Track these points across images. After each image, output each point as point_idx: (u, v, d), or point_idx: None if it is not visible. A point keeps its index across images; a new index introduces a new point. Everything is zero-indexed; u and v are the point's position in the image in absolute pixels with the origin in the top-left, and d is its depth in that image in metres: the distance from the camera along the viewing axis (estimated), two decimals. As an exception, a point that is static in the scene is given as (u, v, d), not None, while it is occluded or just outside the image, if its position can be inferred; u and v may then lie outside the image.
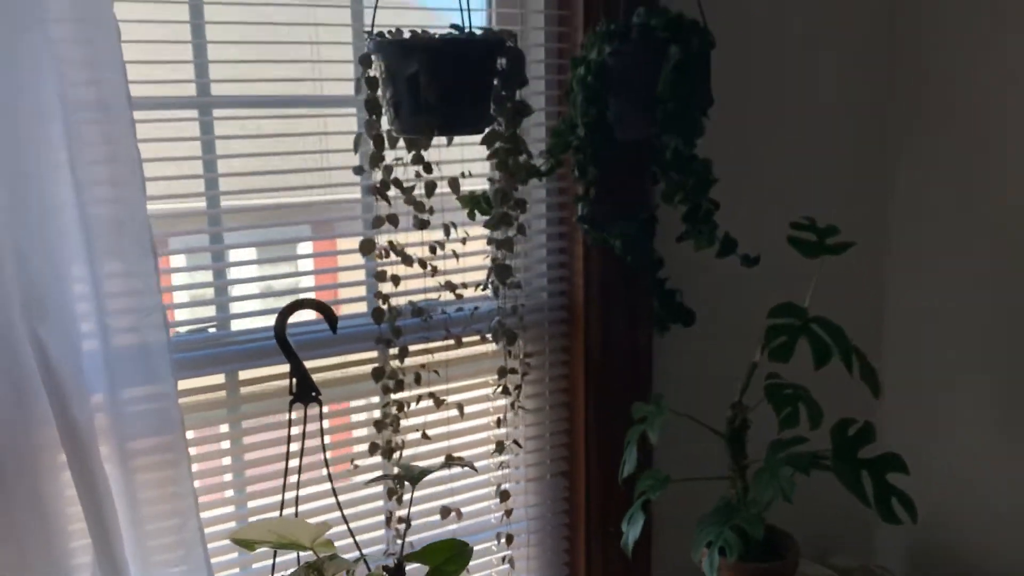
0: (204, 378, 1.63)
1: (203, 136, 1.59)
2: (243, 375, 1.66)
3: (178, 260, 1.68)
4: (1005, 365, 2.13)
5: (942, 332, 2.26)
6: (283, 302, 1.49)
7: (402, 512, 1.74)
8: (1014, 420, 2.15)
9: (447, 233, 1.66)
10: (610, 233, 1.72)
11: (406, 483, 1.72)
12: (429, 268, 1.66)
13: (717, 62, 1.63)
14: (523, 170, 1.58)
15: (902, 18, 2.23)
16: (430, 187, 1.60)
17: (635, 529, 1.73)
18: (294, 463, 1.49)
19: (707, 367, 1.99)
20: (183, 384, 1.57)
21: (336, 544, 1.48)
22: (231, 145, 1.61)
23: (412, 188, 1.59)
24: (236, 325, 1.65)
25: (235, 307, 1.66)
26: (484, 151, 1.61)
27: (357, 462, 1.73)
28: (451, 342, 1.74)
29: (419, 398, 1.71)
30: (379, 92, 1.50)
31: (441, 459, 1.58)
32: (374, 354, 1.73)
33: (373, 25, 1.50)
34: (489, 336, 1.78)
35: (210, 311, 1.65)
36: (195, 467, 1.62)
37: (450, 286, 1.70)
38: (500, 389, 1.79)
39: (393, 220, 1.61)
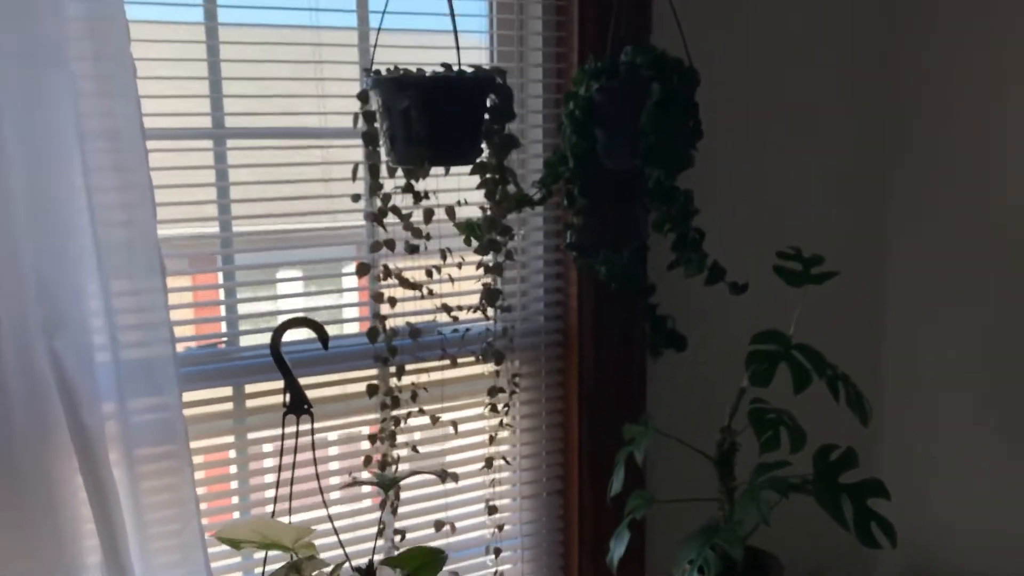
0: (213, 390, 1.73)
1: (217, 165, 1.70)
2: (249, 388, 1.77)
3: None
4: (1005, 371, 2.14)
5: (942, 339, 2.26)
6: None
7: (396, 523, 1.82)
8: (1016, 437, 2.16)
9: (443, 258, 1.74)
10: (596, 260, 1.80)
11: (401, 495, 1.82)
12: (425, 291, 1.75)
13: (711, 88, 1.71)
14: (511, 199, 1.66)
15: (899, 24, 2.25)
16: (427, 214, 1.69)
17: (620, 547, 1.79)
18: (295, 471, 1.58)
19: (700, 391, 2.04)
20: (193, 396, 1.68)
21: (327, 549, 1.57)
22: (242, 173, 1.73)
23: (410, 215, 1.68)
24: (244, 341, 1.76)
25: (244, 324, 1.77)
26: (478, 180, 1.70)
27: (355, 475, 1.81)
28: (446, 362, 1.82)
29: (410, 414, 1.78)
30: (376, 125, 1.60)
31: (410, 469, 1.65)
32: (375, 372, 1.82)
33: (372, 62, 1.60)
34: (484, 356, 1.85)
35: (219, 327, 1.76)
36: (202, 474, 1.72)
37: (445, 308, 1.78)
38: (489, 408, 1.86)
39: (390, 245, 1.70)
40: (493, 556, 1.94)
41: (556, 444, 2.04)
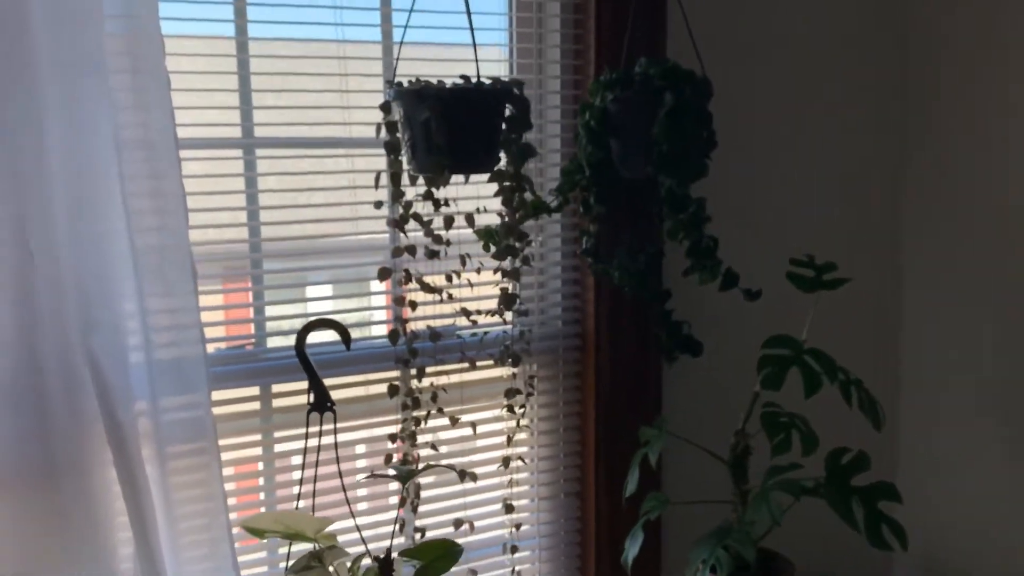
0: (241, 390, 1.80)
1: (247, 173, 1.78)
2: (275, 388, 1.83)
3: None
4: (1022, 374, 2.14)
5: (957, 343, 2.28)
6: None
7: (416, 521, 1.87)
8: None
9: (463, 263, 1.80)
10: (611, 266, 1.84)
11: (421, 494, 1.87)
12: (445, 295, 1.80)
13: (726, 99, 1.75)
14: (528, 206, 1.72)
15: (910, 27, 2.28)
16: (447, 221, 1.75)
17: (634, 547, 1.83)
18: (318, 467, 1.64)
19: (714, 395, 2.08)
20: (222, 395, 1.75)
21: (349, 545, 1.62)
22: (270, 181, 1.80)
23: (430, 222, 1.75)
24: (271, 343, 1.83)
25: (271, 326, 1.84)
26: (496, 188, 1.76)
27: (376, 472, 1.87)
28: (465, 364, 1.88)
29: (429, 414, 1.84)
30: (398, 135, 1.66)
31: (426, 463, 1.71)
32: (397, 373, 1.88)
33: (395, 75, 1.67)
34: (500, 359, 1.91)
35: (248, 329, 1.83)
36: (230, 470, 1.79)
37: (465, 312, 1.84)
38: (506, 409, 1.91)
39: (411, 250, 1.76)
40: (511, 554, 1.99)
41: (573, 446, 2.08)
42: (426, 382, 1.84)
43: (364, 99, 1.79)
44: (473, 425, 1.92)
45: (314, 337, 1.62)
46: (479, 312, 1.86)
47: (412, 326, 1.82)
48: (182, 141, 1.56)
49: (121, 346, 1.55)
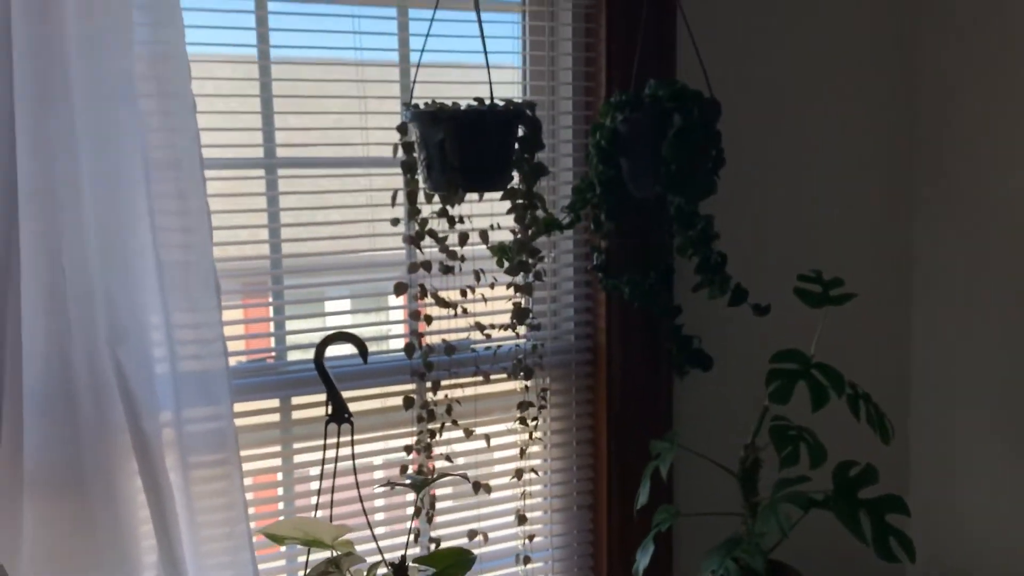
0: (262, 402, 1.86)
1: (268, 192, 1.84)
2: (295, 400, 1.89)
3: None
4: None
5: (968, 357, 2.30)
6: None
7: (432, 532, 1.92)
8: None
9: (477, 279, 1.85)
10: (621, 281, 1.88)
11: (436, 505, 1.91)
12: (460, 310, 1.85)
13: (734, 116, 1.79)
14: (540, 223, 1.77)
15: (920, 44, 2.31)
16: (462, 237, 1.80)
17: (645, 558, 1.85)
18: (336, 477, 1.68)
19: (725, 409, 2.11)
20: (244, 406, 1.80)
21: (368, 552, 1.66)
22: (291, 200, 1.86)
23: (445, 238, 1.80)
24: (291, 356, 1.88)
25: (291, 340, 1.89)
26: (509, 206, 1.81)
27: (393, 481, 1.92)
28: (479, 378, 1.92)
29: (443, 426, 1.88)
30: (415, 154, 1.72)
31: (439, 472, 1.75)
32: (413, 386, 1.93)
33: (412, 97, 1.73)
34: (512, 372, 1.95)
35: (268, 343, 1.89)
36: (251, 480, 1.84)
37: (479, 326, 1.89)
38: (519, 422, 1.95)
39: (427, 266, 1.81)
40: (523, 566, 2.02)
41: (585, 459, 2.12)
42: (441, 395, 1.89)
43: (382, 120, 1.85)
44: (487, 437, 1.96)
45: (332, 350, 1.67)
46: (493, 326, 1.90)
47: (427, 340, 1.87)
48: (207, 161, 1.62)
49: (147, 358, 1.61)
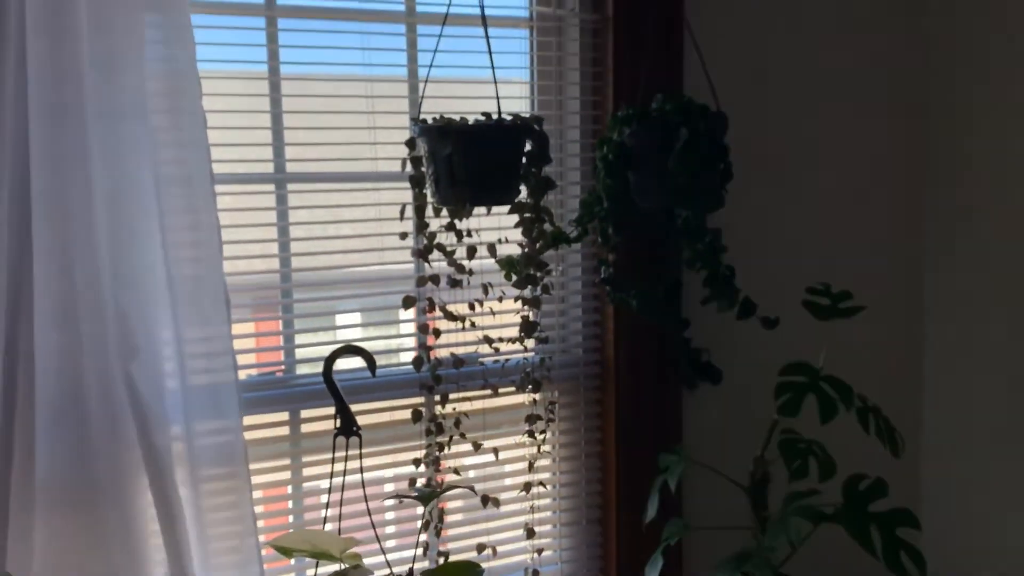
0: (271, 415, 1.86)
1: (278, 207, 1.85)
2: (304, 414, 1.89)
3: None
4: None
5: (981, 370, 2.29)
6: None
7: (440, 546, 1.92)
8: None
9: (485, 292, 1.86)
10: (628, 294, 1.89)
11: (445, 519, 1.92)
12: (468, 323, 1.86)
13: (743, 128, 1.79)
14: (547, 237, 1.77)
15: (932, 54, 2.31)
16: (470, 251, 1.81)
17: (654, 573, 1.85)
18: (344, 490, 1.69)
19: (734, 421, 2.10)
20: (253, 420, 1.81)
21: (376, 566, 1.67)
22: (300, 214, 1.87)
23: (453, 252, 1.81)
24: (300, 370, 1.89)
25: (300, 353, 1.90)
26: (517, 219, 1.82)
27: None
28: (488, 391, 1.93)
29: (451, 439, 1.89)
30: (423, 169, 1.73)
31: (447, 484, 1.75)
32: (421, 400, 1.93)
33: (420, 111, 1.74)
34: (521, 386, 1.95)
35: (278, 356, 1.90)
36: (260, 493, 1.85)
37: (487, 340, 1.89)
38: (527, 435, 1.95)
39: (435, 280, 1.82)
40: (535, 579, 2.02)
41: (594, 472, 2.12)
42: (449, 408, 1.89)
43: (390, 135, 1.87)
44: (495, 451, 1.96)
45: (341, 364, 1.68)
46: (501, 340, 1.91)
47: (436, 353, 1.88)
48: (217, 176, 1.64)
49: (158, 372, 1.62)
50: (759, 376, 2.05)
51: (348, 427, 1.63)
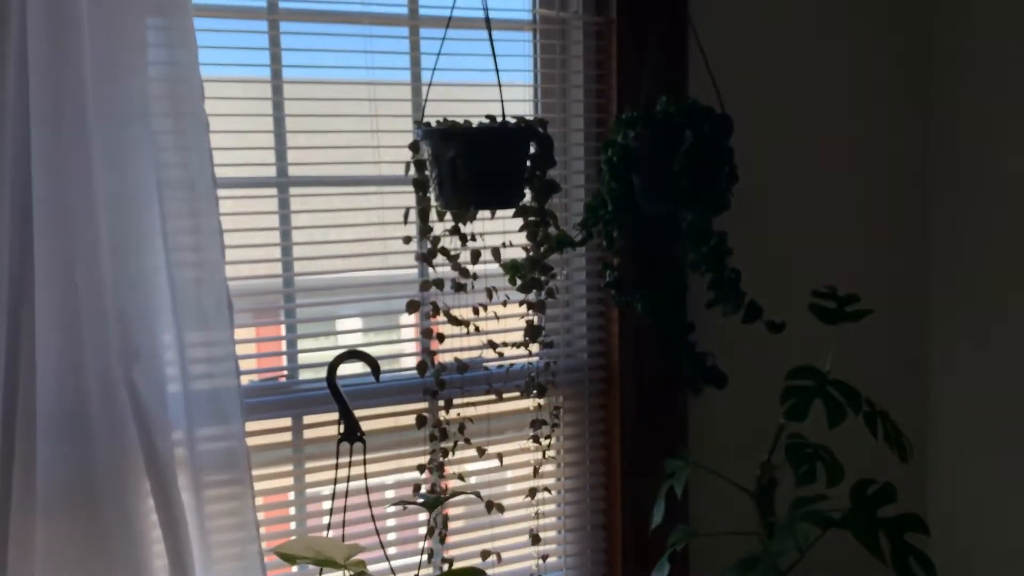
0: (274, 421, 1.85)
1: (281, 211, 1.84)
2: (307, 420, 1.88)
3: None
4: None
5: (990, 374, 2.27)
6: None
7: (444, 553, 1.90)
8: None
9: (489, 297, 1.85)
10: (633, 298, 1.88)
11: (449, 525, 1.90)
12: (472, 328, 1.85)
13: (747, 133, 1.79)
14: (552, 240, 1.76)
15: (938, 56, 2.31)
16: (474, 255, 1.80)
17: (660, 578, 1.84)
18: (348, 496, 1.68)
19: (740, 426, 2.08)
20: (255, 425, 1.80)
21: (380, 573, 1.65)
22: (303, 218, 1.86)
23: (457, 256, 1.80)
24: (303, 375, 1.88)
25: (303, 359, 1.89)
26: (521, 223, 1.81)
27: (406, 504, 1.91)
28: (492, 396, 1.91)
29: (456, 444, 1.87)
30: (427, 172, 1.72)
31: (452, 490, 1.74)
32: (425, 405, 1.92)
33: (423, 115, 1.73)
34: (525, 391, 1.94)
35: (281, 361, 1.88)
36: (262, 499, 1.83)
37: (491, 344, 1.88)
38: (532, 440, 1.94)
39: (439, 284, 1.81)
40: (538, 585, 2.01)
41: (599, 478, 2.10)
42: (453, 413, 1.88)
43: (393, 139, 1.86)
44: (500, 456, 1.95)
45: (344, 369, 1.67)
46: (505, 344, 1.90)
47: (440, 358, 1.87)
48: (219, 180, 1.63)
49: (159, 376, 1.61)
50: (765, 380, 2.03)
51: (352, 432, 1.62)
